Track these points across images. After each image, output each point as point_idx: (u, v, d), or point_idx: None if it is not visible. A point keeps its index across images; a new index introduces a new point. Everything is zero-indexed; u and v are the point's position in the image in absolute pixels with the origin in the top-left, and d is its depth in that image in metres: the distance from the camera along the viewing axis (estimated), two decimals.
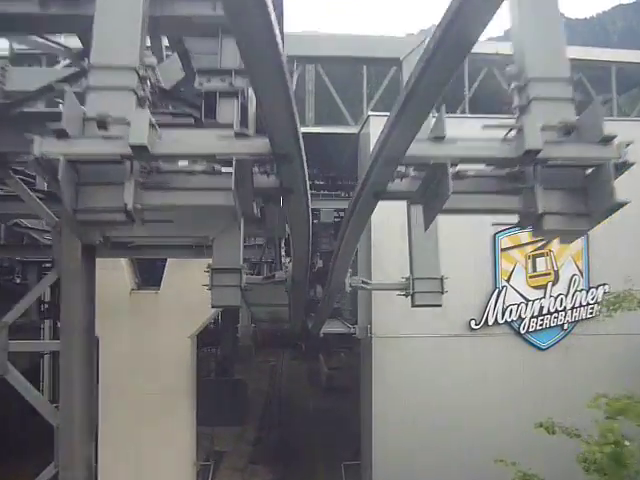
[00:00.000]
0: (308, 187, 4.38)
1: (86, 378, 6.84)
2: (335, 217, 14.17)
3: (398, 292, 6.94)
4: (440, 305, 6.89)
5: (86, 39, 5.24)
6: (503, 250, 13.32)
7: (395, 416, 12.94)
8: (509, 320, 13.26)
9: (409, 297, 6.91)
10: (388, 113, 3.89)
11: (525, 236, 13.43)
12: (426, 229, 4.68)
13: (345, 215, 5.76)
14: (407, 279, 6.77)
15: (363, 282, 6.69)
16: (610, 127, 3.76)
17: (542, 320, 13.32)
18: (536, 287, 13.44)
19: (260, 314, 9.87)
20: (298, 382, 30.40)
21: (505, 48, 15.37)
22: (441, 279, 6.79)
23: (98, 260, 14.20)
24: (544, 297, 13.41)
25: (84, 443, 6.72)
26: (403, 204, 6.78)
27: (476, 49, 3.59)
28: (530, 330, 13.30)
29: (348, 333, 13.07)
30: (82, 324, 6.78)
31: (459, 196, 4.04)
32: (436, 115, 4.01)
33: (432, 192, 4.05)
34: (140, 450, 13.75)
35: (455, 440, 12.92)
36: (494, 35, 27.56)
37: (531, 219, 4.11)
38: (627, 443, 7.48)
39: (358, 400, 22.08)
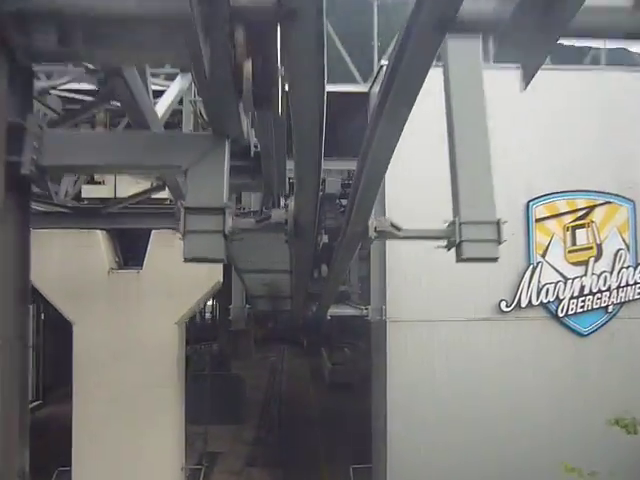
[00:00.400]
0: (324, 8, 2.58)
1: (12, 364, 4.98)
2: (344, 182, 12.39)
3: (438, 244, 5.14)
4: (496, 259, 5.06)
5: None
6: (538, 220, 11.50)
7: (413, 412, 11.16)
8: (545, 301, 11.44)
9: (452, 249, 5.10)
10: None
11: (563, 204, 11.66)
12: (526, 86, 2.89)
13: (384, 78, 3.82)
14: (451, 224, 4.96)
15: (392, 226, 4.89)
16: None
17: (583, 301, 11.49)
18: (576, 263, 11.61)
19: (255, 287, 7.97)
20: (300, 378, 28.75)
21: None
22: (498, 223, 4.97)
23: (71, 236, 12.53)
24: (585, 275, 11.58)
25: (8, 451, 4.87)
26: (438, 107, 4.95)
27: None
28: (569, 313, 11.46)
29: (359, 316, 11.27)
30: (7, 291, 4.92)
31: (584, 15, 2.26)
32: None
33: (539, 10, 2.27)
34: (119, 452, 11.99)
35: (484, 439, 11.14)
36: None
37: None
38: None
39: (365, 397, 20.31)
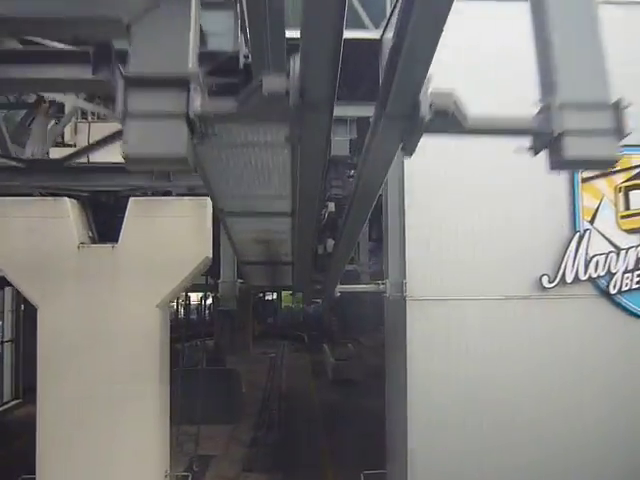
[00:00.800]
0: None
1: None
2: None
3: (518, 147, 3.35)
4: (614, 161, 3.27)
5: None
6: (585, 180, 9.68)
7: (440, 408, 9.37)
8: (594, 276, 9.63)
9: (541, 151, 3.30)
10: None
11: None
12: None
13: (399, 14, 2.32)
14: (543, 110, 3.17)
15: (456, 104, 3.11)
16: None
17: (639, 276, 9.70)
18: (630, 230, 9.78)
19: (246, 246, 6.08)
20: (301, 375, 27.00)
21: None
22: (617, 106, 3.19)
23: (35, 205, 10.72)
24: None
25: None
26: None
27: None
28: (623, 290, 9.64)
29: (375, 292, 9.46)
30: None
31: None
32: None
33: None
34: (90, 456, 10.20)
35: (523, 440, 9.38)
36: None
37: None
38: None
39: (372, 394, 18.59)
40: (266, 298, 45.06)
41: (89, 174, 8.97)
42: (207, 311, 39.17)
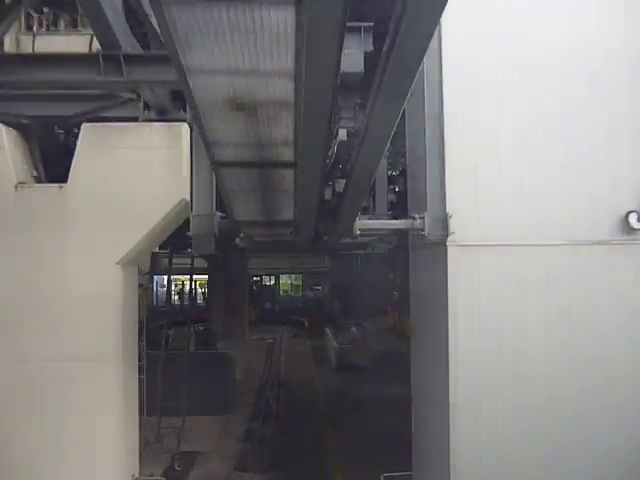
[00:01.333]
0: None
1: None
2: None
3: None
4: None
5: None
6: None
7: (493, 391, 6.99)
8: None
9: None
10: None
11: None
12: None
13: None
14: None
15: None
16: None
17: None
18: None
19: (218, 118, 3.42)
20: (301, 361, 24.72)
21: None
22: None
23: None
24: None
25: None
26: None
27: None
28: None
29: (408, 229, 6.98)
30: None
31: None
32: None
33: None
34: (36, 457, 7.86)
35: (600, 427, 7.03)
36: None
37: None
38: None
39: (382, 381, 16.42)
40: (264, 283, 43.04)
41: (13, 66, 6.43)
42: (202, 297, 36.97)
